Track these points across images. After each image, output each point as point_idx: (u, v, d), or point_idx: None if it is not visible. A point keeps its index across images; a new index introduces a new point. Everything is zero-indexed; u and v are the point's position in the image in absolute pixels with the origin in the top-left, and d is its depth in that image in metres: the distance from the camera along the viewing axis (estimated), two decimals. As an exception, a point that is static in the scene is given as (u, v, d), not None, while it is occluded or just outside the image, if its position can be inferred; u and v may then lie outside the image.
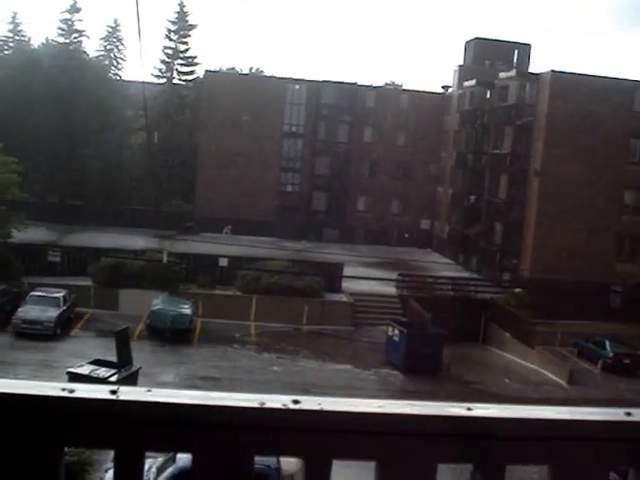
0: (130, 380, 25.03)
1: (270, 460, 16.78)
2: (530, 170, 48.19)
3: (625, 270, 46.14)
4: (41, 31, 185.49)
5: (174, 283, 40.11)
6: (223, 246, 46.37)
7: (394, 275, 44.83)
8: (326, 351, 36.14)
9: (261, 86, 63.48)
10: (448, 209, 61.99)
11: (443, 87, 68.15)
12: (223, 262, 42.87)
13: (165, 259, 40.17)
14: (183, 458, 16.98)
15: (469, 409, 1.51)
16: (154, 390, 1.48)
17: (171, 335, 34.55)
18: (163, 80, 67.62)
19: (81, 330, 36.03)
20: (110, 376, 24.19)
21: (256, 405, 1.46)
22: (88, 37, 73.24)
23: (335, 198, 64.62)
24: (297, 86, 64.16)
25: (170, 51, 67.27)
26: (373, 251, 56.92)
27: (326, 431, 1.46)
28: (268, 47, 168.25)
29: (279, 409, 1.46)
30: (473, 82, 58.48)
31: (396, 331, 34.99)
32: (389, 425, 1.49)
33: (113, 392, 1.45)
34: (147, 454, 1.52)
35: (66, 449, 1.53)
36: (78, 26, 65.51)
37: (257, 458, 1.52)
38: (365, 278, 42.37)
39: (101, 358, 27.12)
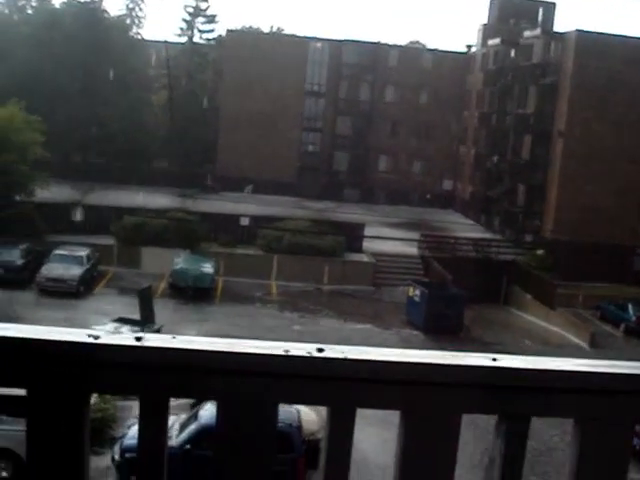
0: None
1: (291, 418, 16.95)
2: (554, 131, 47.66)
3: (650, 232, 45.74)
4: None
5: (196, 242, 40.30)
6: (244, 205, 46.43)
7: (416, 236, 44.74)
8: (347, 311, 36.25)
9: (282, 45, 62.94)
10: (470, 170, 61.56)
11: (467, 46, 67.41)
12: (244, 221, 42.97)
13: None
14: (205, 416, 17.20)
15: (494, 359, 1.51)
16: (179, 337, 1.47)
17: (193, 293, 34.80)
18: (184, 39, 67.27)
19: (104, 288, 36.36)
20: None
21: (280, 352, 1.45)
22: (109, -5, 72.67)
23: (356, 158, 64.33)
24: (319, 45, 63.60)
25: (191, 9, 66.83)
26: (394, 211, 56.78)
27: (350, 379, 1.46)
28: (289, 5, 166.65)
29: (303, 357, 1.45)
30: (497, 41, 57.70)
31: (417, 291, 35.01)
32: (414, 375, 1.48)
33: (138, 339, 1.45)
34: (171, 411, 1.53)
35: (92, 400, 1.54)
36: (99, -16, 65.24)
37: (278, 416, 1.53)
38: (386, 238, 42.32)
39: (124, 316, 27.40)
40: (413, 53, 66.96)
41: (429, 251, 43.69)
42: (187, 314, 33.41)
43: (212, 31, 68.19)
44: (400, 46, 67.95)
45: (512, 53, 55.52)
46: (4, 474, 15.40)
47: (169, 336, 1.48)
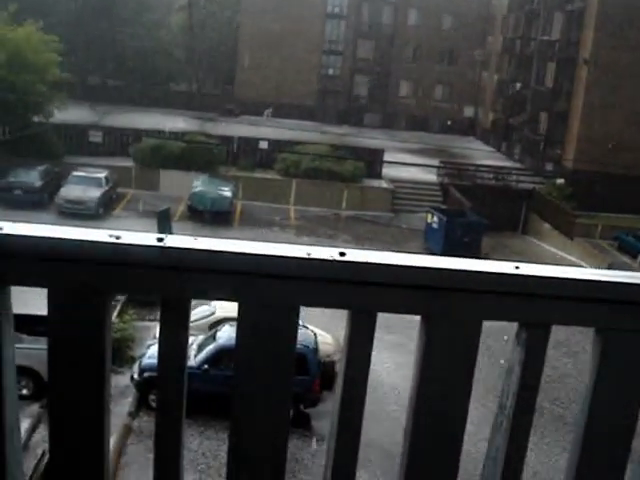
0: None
1: (308, 341, 17.16)
2: (579, 58, 46.70)
3: (672, 163, 45.16)
4: None
5: (214, 165, 40.25)
6: (264, 129, 46.17)
7: (435, 162, 44.46)
8: (365, 236, 36.34)
9: (304, -35, 61.65)
10: (493, 96, 60.72)
11: (493, -31, 65.67)
12: (263, 145, 42.78)
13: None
14: (223, 337, 17.45)
15: (517, 267, 1.50)
16: (200, 239, 1.46)
17: (211, 217, 34.91)
18: (204, -42, 65.98)
19: (123, 210, 36.54)
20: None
21: (303, 255, 1.44)
22: None
23: (377, 82, 63.52)
24: (341, -35, 62.22)
25: None
26: (414, 138, 56.31)
27: (372, 284, 1.45)
28: None
29: (325, 260, 1.44)
30: (524, -36, 56.18)
31: (435, 218, 34.96)
32: (435, 280, 1.48)
33: (160, 239, 1.44)
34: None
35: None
36: None
37: None
38: (406, 164, 42.09)
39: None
40: (437, -25, 65.48)
41: (448, 178, 43.45)
42: (205, 237, 33.50)
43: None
44: (424, -32, 66.40)
45: (539, -23, 54.12)
46: (25, 392, 15.72)
47: (191, 237, 1.47)
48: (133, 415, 16.71)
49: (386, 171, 43.24)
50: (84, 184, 34.61)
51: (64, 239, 1.42)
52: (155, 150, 39.82)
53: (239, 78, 61.92)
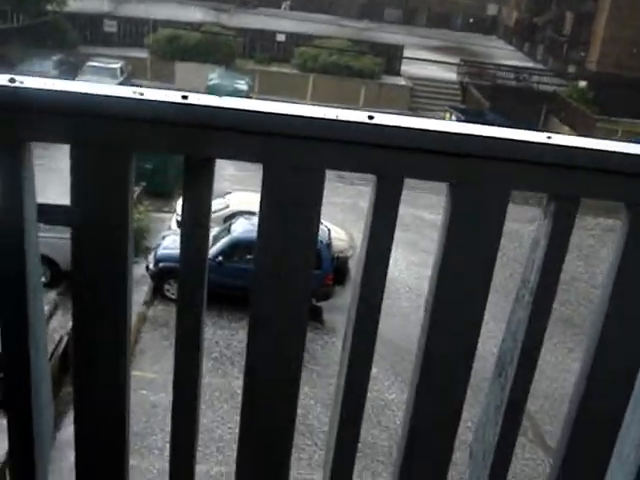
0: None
1: (321, 235, 17.23)
2: (609, -46, 45.13)
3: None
4: None
5: (231, 58, 39.65)
6: (281, 21, 45.26)
7: (455, 60, 43.65)
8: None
9: None
10: (517, -6, 59.13)
11: None
12: (281, 38, 41.99)
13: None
14: (237, 229, 17.56)
15: (549, 137, 1.46)
16: (226, 97, 1.43)
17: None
18: None
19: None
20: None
21: (331, 117, 1.41)
22: None
23: (399, -23, 61.87)
24: None
25: None
26: (435, 34, 55.11)
27: (400, 148, 1.42)
28: None
29: (354, 122, 1.41)
30: None
31: (453, 117, 34.55)
32: (465, 146, 1.44)
33: (184, 97, 1.41)
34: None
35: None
36: None
37: None
38: (426, 61, 41.34)
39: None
40: None
41: (468, 77, 42.71)
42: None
43: None
44: None
45: None
46: (42, 280, 15.96)
47: (215, 97, 1.43)
48: (148, 304, 17.00)
49: (405, 68, 42.50)
50: (99, 75, 34.19)
51: (88, 94, 1.39)
52: (171, 41, 39.18)
53: (257, -32, 60.36)
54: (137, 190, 20.74)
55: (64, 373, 12.53)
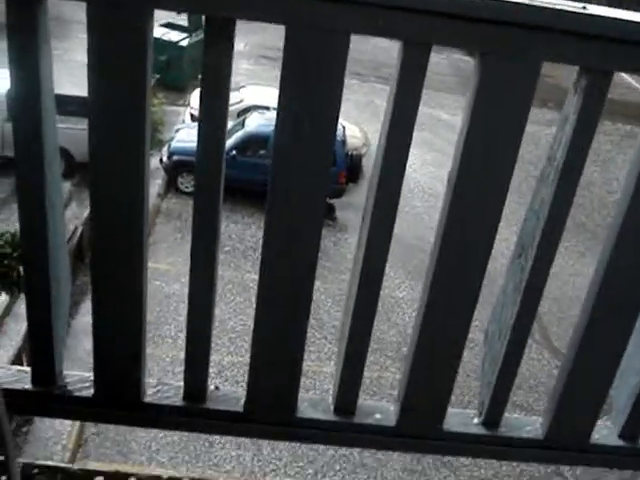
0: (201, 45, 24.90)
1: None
2: None
3: None
4: None
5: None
6: None
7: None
8: None
9: None
10: None
11: None
12: None
13: None
14: (251, 124, 17.45)
15: (584, 7, 1.38)
16: None
17: None
18: None
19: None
20: (181, 40, 24.03)
21: None
22: None
23: None
24: None
25: None
26: None
27: (426, 12, 1.35)
28: None
29: None
30: None
31: None
32: (495, 12, 1.36)
33: None
34: None
35: None
36: None
37: None
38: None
39: (172, 21, 26.92)
40: None
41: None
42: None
43: None
44: None
45: None
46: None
47: None
48: (162, 197, 17.08)
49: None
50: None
51: None
52: None
53: None
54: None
55: (80, 262, 12.74)
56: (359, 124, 19.74)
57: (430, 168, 18.87)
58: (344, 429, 1.81)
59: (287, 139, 1.48)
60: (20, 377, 1.78)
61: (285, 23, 1.37)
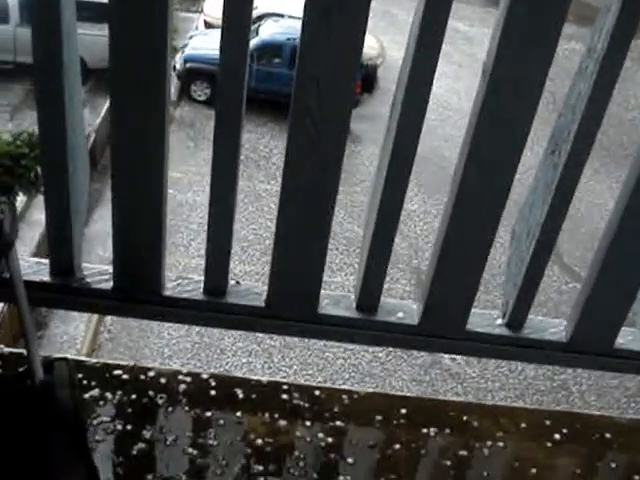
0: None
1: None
2: None
3: None
4: None
5: None
6: None
7: None
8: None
9: None
10: None
11: None
12: None
13: None
14: (266, 32, 17.16)
15: None
16: None
17: None
18: None
19: None
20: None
21: None
22: None
23: None
24: None
25: None
26: None
27: None
28: None
29: None
30: None
31: None
32: None
33: None
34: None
35: None
36: None
37: None
38: None
39: None
40: None
41: None
42: None
43: None
44: None
45: None
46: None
47: None
48: (175, 105, 16.94)
49: None
50: None
51: None
52: None
53: None
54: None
55: (92, 168, 12.72)
56: (375, 34, 19.36)
57: (447, 80, 18.56)
58: (366, 327, 1.80)
59: (315, 30, 1.44)
60: (38, 269, 1.77)
61: None
